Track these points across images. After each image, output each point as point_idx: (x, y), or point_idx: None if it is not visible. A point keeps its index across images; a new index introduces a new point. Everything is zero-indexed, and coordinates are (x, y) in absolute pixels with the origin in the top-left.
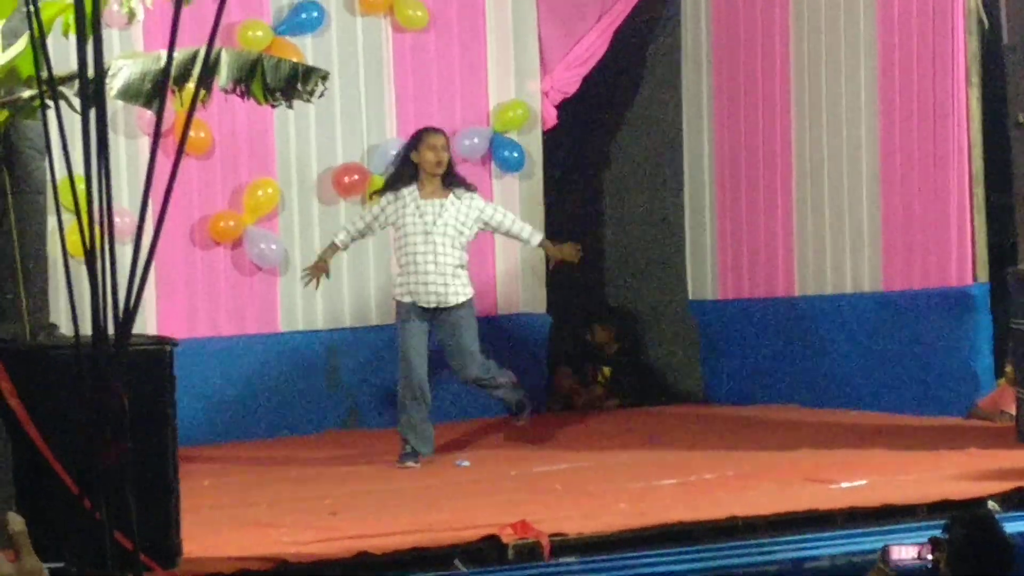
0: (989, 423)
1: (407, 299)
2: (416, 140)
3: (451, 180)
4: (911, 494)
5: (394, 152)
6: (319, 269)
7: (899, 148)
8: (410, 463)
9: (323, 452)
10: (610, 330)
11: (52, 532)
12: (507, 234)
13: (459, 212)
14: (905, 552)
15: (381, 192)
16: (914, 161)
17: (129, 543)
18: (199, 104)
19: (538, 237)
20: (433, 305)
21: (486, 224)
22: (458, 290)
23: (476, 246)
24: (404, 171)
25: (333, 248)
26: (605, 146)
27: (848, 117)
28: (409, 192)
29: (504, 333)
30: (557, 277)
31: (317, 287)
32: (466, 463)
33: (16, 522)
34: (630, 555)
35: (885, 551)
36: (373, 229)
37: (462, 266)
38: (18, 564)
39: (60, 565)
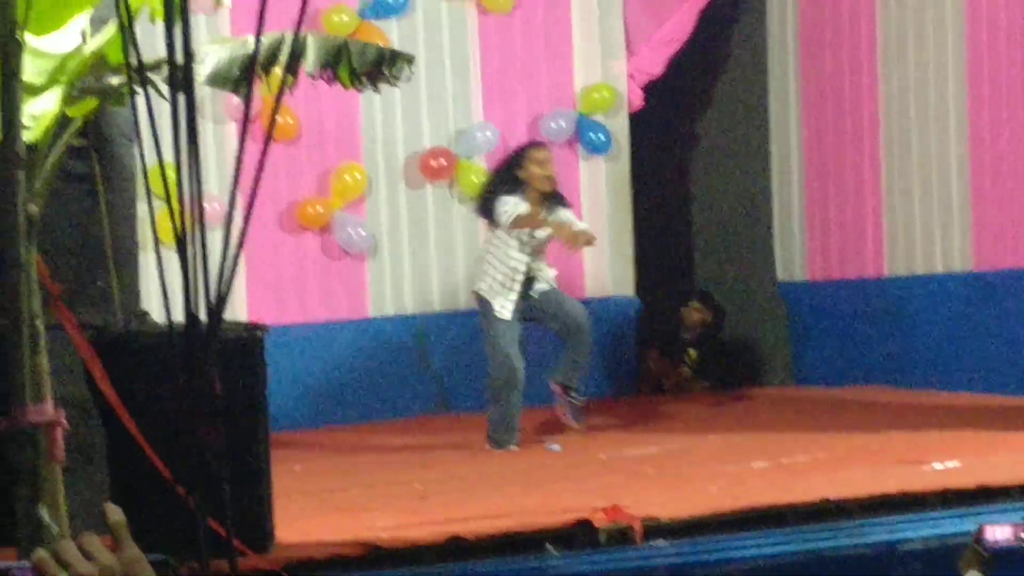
0: None
1: (504, 314)
2: (520, 156)
3: (555, 198)
4: (1006, 475)
5: (479, 135)
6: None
7: (989, 123)
8: (511, 447)
9: (413, 437)
10: (701, 312)
11: (145, 518)
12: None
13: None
14: (1000, 533)
15: (493, 198)
16: (1005, 136)
17: (222, 529)
18: (286, 90)
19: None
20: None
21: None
22: (546, 278)
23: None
24: (510, 187)
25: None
26: (692, 127)
27: (936, 92)
28: (519, 201)
29: (593, 316)
30: (646, 260)
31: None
32: (557, 447)
33: (114, 512)
34: (722, 538)
35: (980, 532)
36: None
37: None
38: (119, 554)
39: (161, 557)
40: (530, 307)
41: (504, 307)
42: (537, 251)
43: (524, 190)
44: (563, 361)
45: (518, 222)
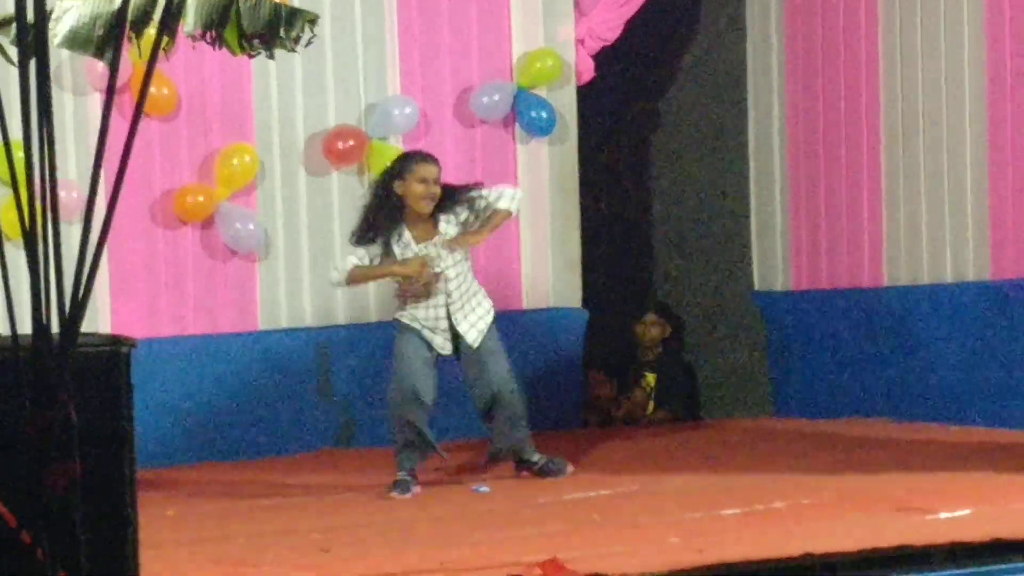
0: None
1: (414, 325)
2: (401, 168)
3: (443, 204)
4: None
5: (396, 112)
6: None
7: (1011, 110)
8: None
9: (312, 475)
10: (659, 326)
11: None
12: (490, 230)
13: (456, 228)
14: None
15: (360, 238)
16: None
17: None
18: (161, 54)
19: (503, 204)
20: (446, 352)
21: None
22: (482, 314)
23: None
24: (386, 206)
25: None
26: (653, 105)
27: (949, 74)
28: (404, 244)
29: (531, 332)
30: (595, 265)
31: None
32: (485, 488)
33: None
34: None
35: None
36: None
37: (474, 288)
38: None
39: None
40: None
41: (415, 320)
42: (442, 289)
43: (404, 209)
44: (497, 435)
45: (353, 277)
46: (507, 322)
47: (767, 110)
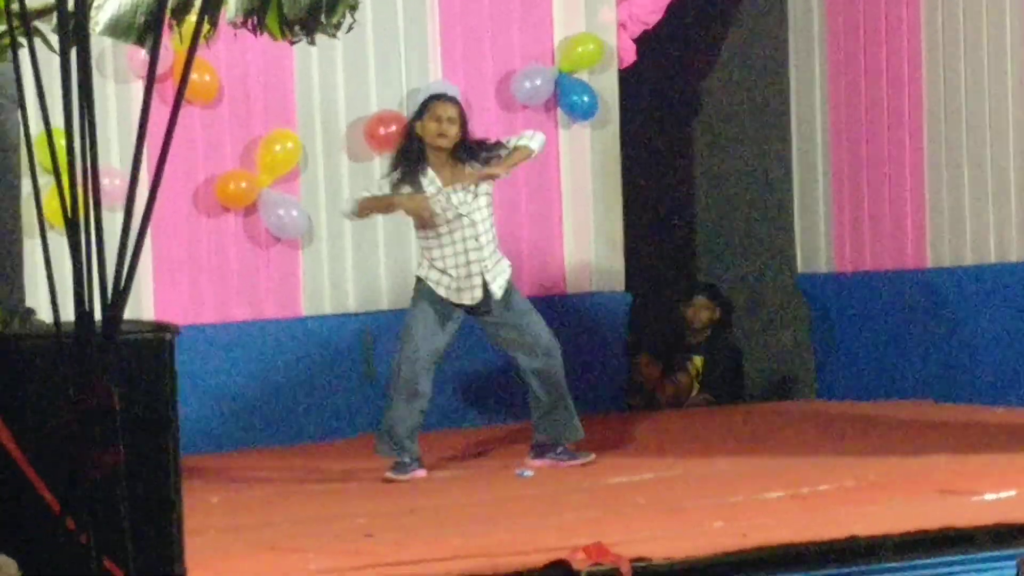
0: None
1: (440, 292)
2: (420, 109)
3: (468, 153)
4: None
5: None
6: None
7: None
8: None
9: (356, 461)
10: (709, 309)
11: (29, 558)
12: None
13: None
14: None
15: (391, 177)
16: None
17: (121, 571)
18: (202, 41)
19: (523, 142)
20: (475, 303)
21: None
22: (502, 270)
23: (541, 211)
24: (410, 147)
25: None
26: (695, 88)
27: (991, 50)
28: (429, 181)
29: (574, 315)
30: (638, 248)
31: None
32: (529, 473)
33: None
34: None
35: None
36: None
37: (500, 259)
38: None
39: None
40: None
41: (437, 285)
42: (469, 234)
43: (425, 151)
44: (538, 415)
45: (362, 207)
46: (550, 306)
47: (809, 92)
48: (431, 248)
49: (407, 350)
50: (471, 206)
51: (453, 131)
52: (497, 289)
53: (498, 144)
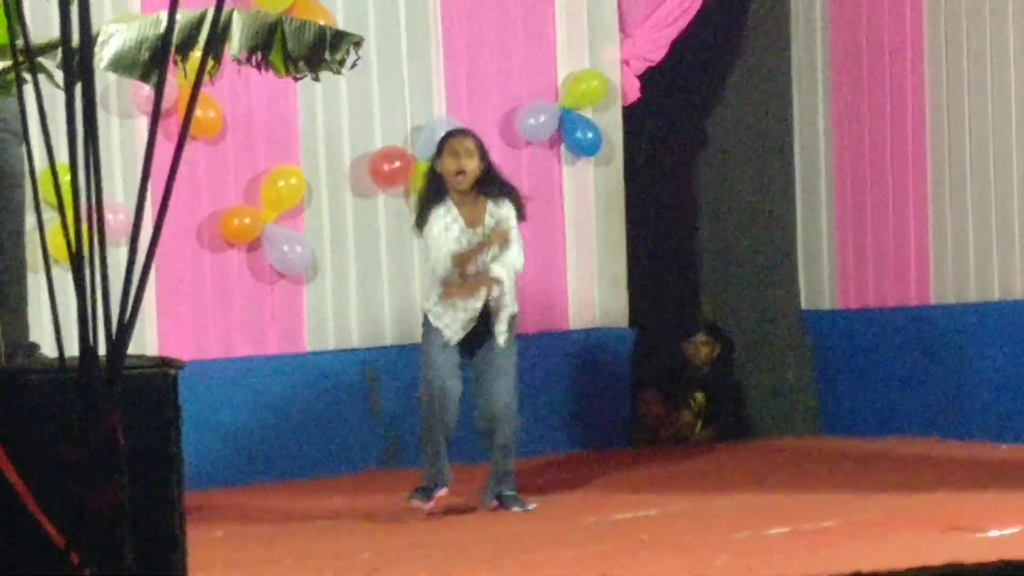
0: None
1: (442, 330)
2: (439, 146)
3: (491, 188)
4: None
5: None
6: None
7: None
8: (414, 502)
9: (359, 497)
10: (709, 345)
11: None
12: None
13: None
14: None
15: (421, 219)
16: None
17: None
18: (207, 77)
19: (520, 262)
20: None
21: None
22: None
23: (544, 247)
24: (432, 186)
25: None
26: (698, 124)
27: (995, 86)
28: (453, 218)
29: (578, 352)
30: (642, 284)
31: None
32: (532, 507)
33: None
34: None
35: None
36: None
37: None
38: None
39: None
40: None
41: (444, 323)
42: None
43: (446, 188)
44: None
45: (456, 262)
46: (553, 342)
47: (812, 129)
48: (446, 295)
49: (428, 373)
50: (493, 251)
51: (472, 165)
52: (501, 342)
53: (516, 193)
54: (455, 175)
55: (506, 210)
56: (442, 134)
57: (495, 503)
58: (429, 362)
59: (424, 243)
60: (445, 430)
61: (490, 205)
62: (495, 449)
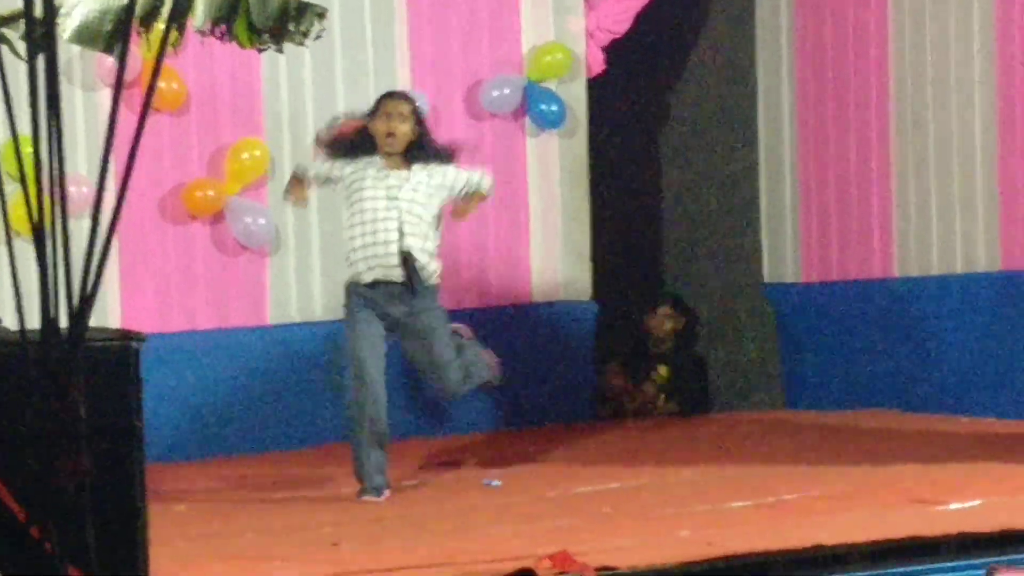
0: None
1: (366, 277)
2: (375, 105)
3: (421, 155)
4: None
5: None
6: (299, 185)
7: (1020, 99)
8: (370, 497)
9: (322, 469)
10: (672, 318)
11: None
12: (466, 193)
13: (430, 180)
14: None
15: (334, 155)
16: None
17: None
18: (170, 49)
19: (486, 183)
20: (399, 280)
21: (451, 191)
22: (426, 271)
23: (508, 220)
24: (362, 143)
25: (304, 173)
26: (663, 97)
27: (958, 57)
28: (369, 160)
29: (541, 325)
30: (605, 258)
31: (305, 205)
32: (497, 483)
33: None
34: None
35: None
36: (333, 179)
37: (429, 250)
38: None
39: None
40: (395, 322)
41: (360, 275)
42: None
43: (376, 148)
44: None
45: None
46: (517, 315)
47: (777, 102)
48: (354, 226)
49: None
50: (403, 190)
51: (404, 128)
52: (407, 279)
53: (451, 155)
54: (385, 136)
55: (451, 171)
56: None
57: None
58: (349, 330)
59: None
60: (363, 424)
61: (416, 166)
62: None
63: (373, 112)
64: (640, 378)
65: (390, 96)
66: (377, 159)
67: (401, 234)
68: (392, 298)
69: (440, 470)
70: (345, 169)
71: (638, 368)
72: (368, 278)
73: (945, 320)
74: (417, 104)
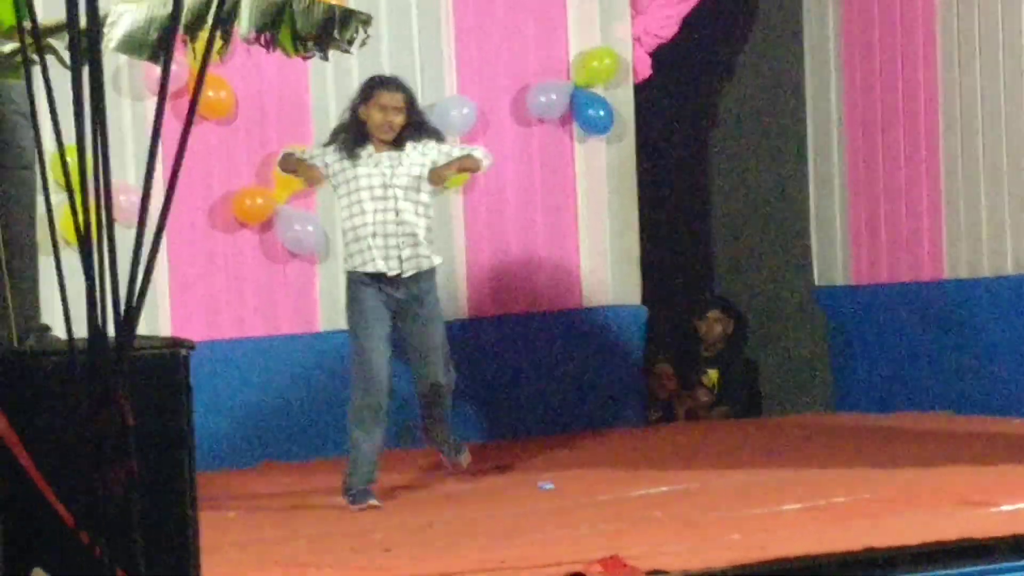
0: None
1: (366, 268)
2: (365, 92)
3: (413, 134)
4: None
5: (454, 112)
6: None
7: None
8: (372, 501)
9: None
10: (722, 322)
11: (46, 572)
12: (457, 166)
13: (424, 158)
14: None
15: (325, 144)
16: None
17: None
18: (215, 57)
19: (478, 154)
20: (395, 272)
21: (434, 163)
22: (427, 254)
23: (557, 225)
24: (352, 128)
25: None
26: (710, 102)
27: (1007, 57)
28: (357, 146)
29: (592, 330)
30: (655, 262)
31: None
32: (550, 486)
33: None
34: None
35: None
36: (316, 168)
37: (429, 228)
38: None
39: None
40: (398, 307)
41: (363, 264)
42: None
43: (368, 133)
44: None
45: (284, 163)
46: (566, 320)
47: (826, 105)
48: (353, 216)
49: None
50: (397, 173)
51: (399, 120)
52: (406, 269)
53: (440, 137)
54: (381, 127)
55: (436, 145)
56: (370, 80)
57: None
58: (354, 326)
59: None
60: (379, 419)
61: (408, 145)
62: (433, 413)
63: (365, 99)
64: (690, 382)
65: (384, 85)
66: (368, 146)
67: (399, 217)
68: (395, 284)
69: (492, 474)
70: (327, 157)
71: (688, 372)
72: (371, 268)
73: (996, 322)
74: (409, 90)
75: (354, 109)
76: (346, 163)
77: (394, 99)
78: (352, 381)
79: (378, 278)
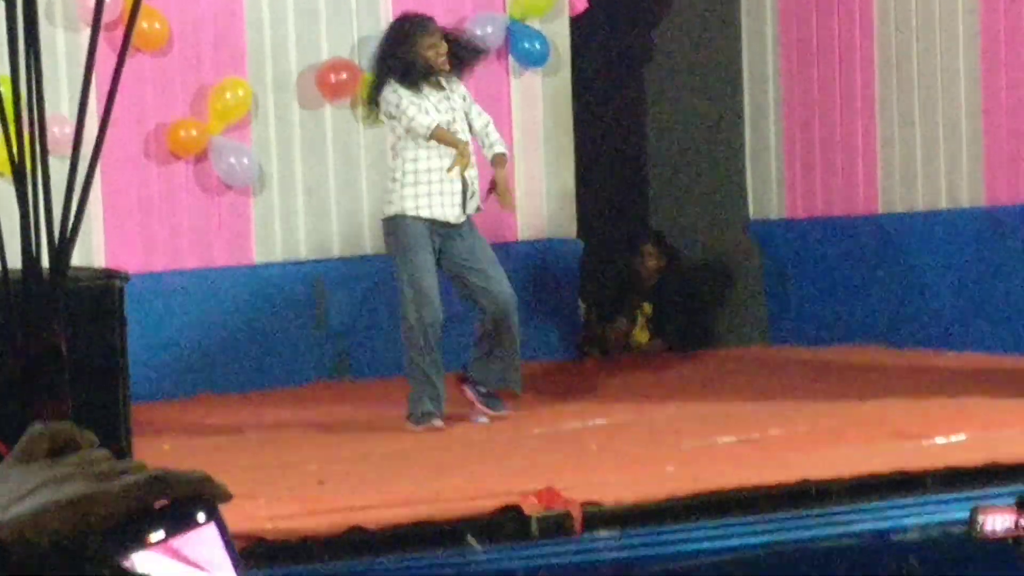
0: None
1: (425, 213)
2: (408, 40)
3: (455, 63)
4: (1019, 451)
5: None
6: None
7: (1004, 35)
8: (436, 422)
9: (307, 409)
10: (655, 257)
11: None
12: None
13: (464, 100)
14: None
15: (407, 84)
16: (1023, 49)
17: None
18: None
19: (499, 148)
20: (460, 220)
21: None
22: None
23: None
24: (408, 72)
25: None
26: (647, 35)
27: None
28: (422, 93)
29: (527, 263)
30: (590, 196)
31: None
32: (484, 420)
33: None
34: (679, 528)
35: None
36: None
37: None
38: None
39: None
40: (450, 259)
41: (419, 208)
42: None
43: (418, 75)
44: (480, 355)
45: (440, 136)
46: (502, 253)
47: (761, 39)
48: (431, 158)
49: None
50: (459, 116)
51: (445, 50)
52: (471, 209)
53: (476, 51)
54: (442, 63)
55: (463, 89)
56: (410, 22)
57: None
58: (409, 265)
59: (395, 119)
60: (436, 357)
61: (452, 84)
62: (505, 345)
63: (413, 42)
64: (626, 316)
65: (424, 28)
66: (425, 94)
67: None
68: (450, 226)
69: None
70: (412, 98)
71: (623, 306)
72: (436, 213)
73: (929, 256)
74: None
75: (405, 54)
76: (425, 104)
77: (437, 34)
78: (403, 304)
79: (436, 221)
